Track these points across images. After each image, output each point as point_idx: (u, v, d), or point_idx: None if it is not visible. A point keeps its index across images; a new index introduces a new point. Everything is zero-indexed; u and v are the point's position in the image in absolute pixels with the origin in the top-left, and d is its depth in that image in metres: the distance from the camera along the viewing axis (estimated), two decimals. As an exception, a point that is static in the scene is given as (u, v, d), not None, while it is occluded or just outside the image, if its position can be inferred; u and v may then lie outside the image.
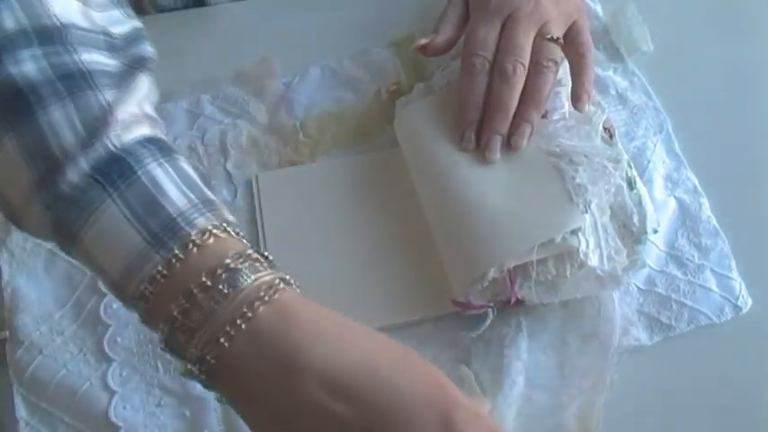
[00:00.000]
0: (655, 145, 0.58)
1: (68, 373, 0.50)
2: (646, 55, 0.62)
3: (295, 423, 0.34)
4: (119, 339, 0.51)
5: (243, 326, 0.34)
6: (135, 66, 0.41)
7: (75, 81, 0.37)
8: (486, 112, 0.52)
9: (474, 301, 0.49)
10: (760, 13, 0.66)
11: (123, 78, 0.40)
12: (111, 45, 0.41)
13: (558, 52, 0.53)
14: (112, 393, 0.50)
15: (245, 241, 0.38)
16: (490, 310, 0.49)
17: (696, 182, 0.57)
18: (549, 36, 0.52)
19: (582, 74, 0.53)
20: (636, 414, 0.48)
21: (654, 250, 0.54)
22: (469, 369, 0.48)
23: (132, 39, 0.42)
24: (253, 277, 0.35)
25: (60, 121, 0.36)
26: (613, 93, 0.61)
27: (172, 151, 0.39)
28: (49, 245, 0.54)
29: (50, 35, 0.38)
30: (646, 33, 0.62)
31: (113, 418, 0.49)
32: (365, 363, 0.35)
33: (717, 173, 0.57)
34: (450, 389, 0.35)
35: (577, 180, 0.49)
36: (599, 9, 0.64)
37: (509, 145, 0.51)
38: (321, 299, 0.37)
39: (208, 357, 0.34)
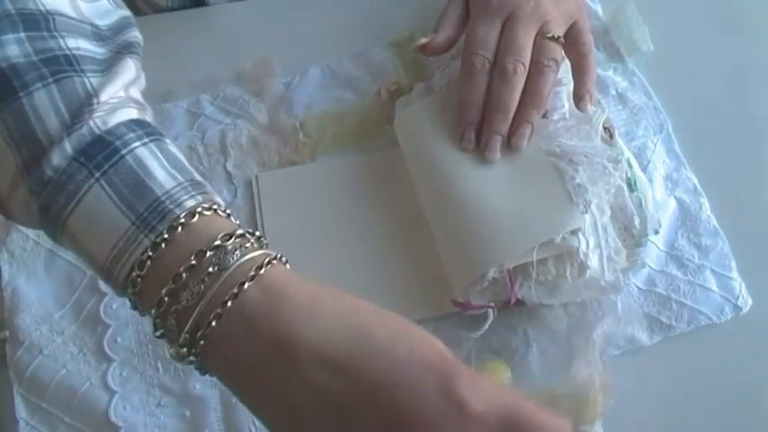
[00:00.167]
0: (655, 145, 0.58)
1: (68, 373, 0.50)
2: (646, 55, 0.62)
3: (291, 402, 0.33)
4: (119, 339, 0.51)
5: (231, 305, 0.33)
6: (121, 51, 0.41)
7: (59, 65, 0.37)
8: (487, 112, 0.52)
9: (474, 302, 0.49)
10: (760, 14, 0.66)
11: (110, 64, 0.39)
12: (98, 35, 0.41)
13: (558, 51, 0.53)
14: (112, 393, 0.50)
15: (234, 221, 0.37)
16: (490, 310, 0.48)
17: (696, 182, 0.57)
18: (549, 35, 0.52)
19: (583, 74, 0.53)
20: (636, 414, 0.48)
21: (654, 250, 0.54)
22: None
23: (120, 27, 0.42)
24: (241, 257, 0.34)
25: (44, 104, 0.36)
26: (613, 93, 0.61)
27: (158, 134, 0.38)
28: (49, 244, 0.54)
29: (36, 21, 0.38)
30: (646, 33, 0.62)
31: (113, 418, 0.49)
32: (359, 334, 0.34)
33: (717, 173, 0.57)
34: (448, 356, 0.34)
35: (577, 180, 0.49)
36: (599, 9, 0.64)
37: (509, 145, 0.51)
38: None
39: (198, 339, 0.34)
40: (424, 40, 0.55)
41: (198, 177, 0.38)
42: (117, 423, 0.49)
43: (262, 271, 0.34)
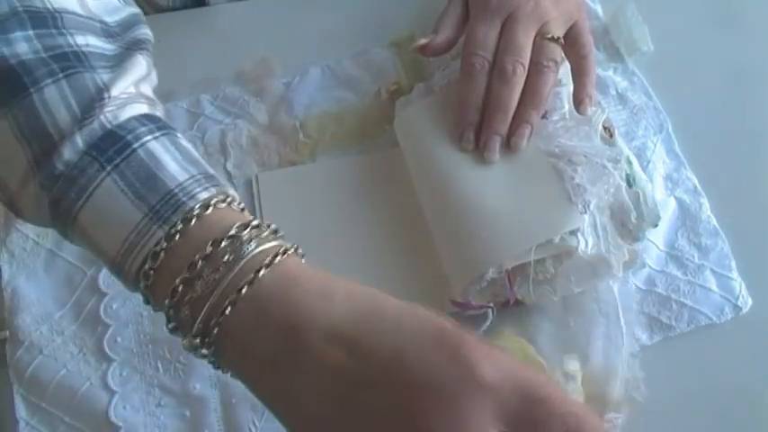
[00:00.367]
0: (655, 145, 0.58)
1: (68, 373, 0.50)
2: (646, 55, 0.62)
3: (304, 388, 0.33)
4: (119, 339, 0.51)
5: (245, 293, 0.33)
6: (131, 47, 0.41)
7: (69, 62, 0.37)
8: (486, 113, 0.52)
9: (473, 302, 0.49)
10: (760, 14, 0.66)
11: (120, 60, 0.39)
12: (107, 32, 0.41)
13: (558, 52, 0.53)
14: (112, 393, 0.50)
15: (247, 214, 0.37)
16: (489, 310, 0.48)
17: (696, 182, 0.57)
18: (549, 35, 0.52)
19: (583, 75, 0.53)
20: (635, 414, 0.48)
21: (654, 250, 0.54)
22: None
23: (129, 24, 0.42)
24: (257, 247, 0.34)
25: (54, 100, 0.36)
26: (613, 93, 0.61)
27: (170, 128, 0.38)
28: (49, 244, 0.54)
29: (44, 18, 0.38)
30: (646, 33, 0.62)
31: (113, 418, 0.49)
32: (370, 312, 0.34)
33: (717, 173, 0.57)
34: (459, 329, 0.33)
35: (576, 180, 0.49)
36: (599, 9, 0.64)
37: (508, 145, 0.51)
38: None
39: (212, 328, 0.34)
40: (423, 41, 0.55)
41: (211, 171, 0.38)
42: (117, 423, 0.49)
43: (277, 260, 0.34)
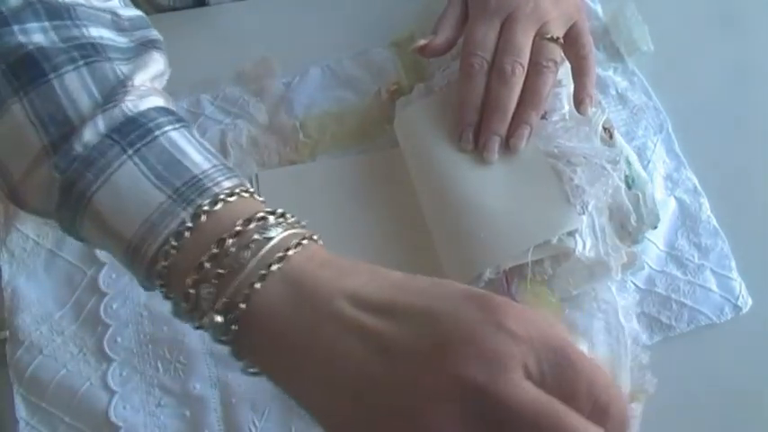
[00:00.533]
0: (655, 145, 0.58)
1: (68, 373, 0.50)
2: (646, 55, 0.62)
3: (334, 357, 0.32)
4: (119, 339, 0.51)
5: (275, 270, 0.33)
6: (146, 44, 0.41)
7: (87, 51, 0.37)
8: (485, 113, 0.52)
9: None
10: (760, 14, 0.66)
11: (136, 54, 0.40)
12: (118, 24, 0.41)
13: (557, 52, 0.53)
14: (112, 393, 0.50)
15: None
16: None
17: (696, 182, 0.57)
18: (548, 36, 0.52)
19: (583, 75, 0.53)
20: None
21: (654, 250, 0.54)
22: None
23: (138, 24, 0.42)
24: (284, 231, 0.34)
25: (75, 86, 0.36)
26: (613, 93, 0.61)
27: (187, 122, 0.38)
28: (49, 244, 0.54)
29: (58, 10, 0.38)
30: (646, 33, 0.62)
31: (113, 418, 0.49)
32: (399, 280, 0.34)
33: (717, 173, 0.57)
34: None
35: (575, 181, 0.49)
36: (599, 9, 0.64)
37: (507, 146, 0.51)
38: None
39: (238, 303, 0.33)
40: (422, 42, 0.55)
41: (228, 164, 0.38)
42: (117, 423, 0.49)
43: (304, 242, 0.34)
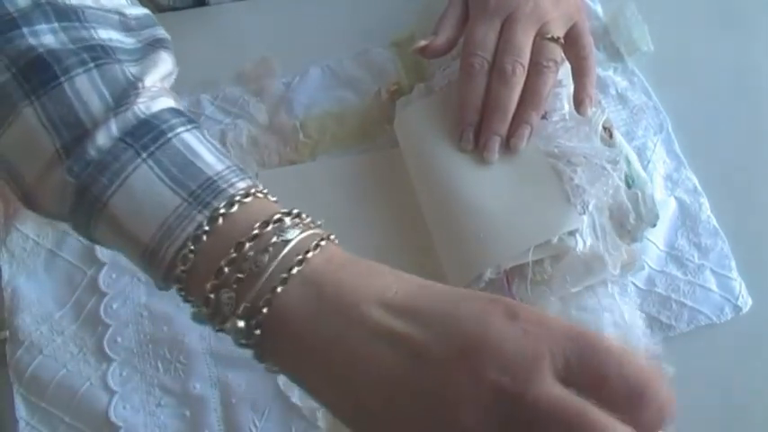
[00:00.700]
0: (655, 145, 0.58)
1: (68, 373, 0.50)
2: (646, 55, 0.62)
3: (359, 361, 0.32)
4: (119, 339, 0.51)
5: (296, 272, 0.33)
6: (153, 44, 0.41)
7: (97, 53, 0.37)
8: (485, 113, 0.52)
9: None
10: (760, 14, 0.66)
11: (144, 54, 0.40)
12: (126, 25, 0.41)
13: (558, 52, 0.53)
14: (112, 393, 0.50)
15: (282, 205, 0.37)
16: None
17: (696, 182, 0.57)
18: (549, 36, 0.52)
19: (584, 76, 0.53)
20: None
21: (654, 250, 0.54)
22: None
23: (145, 23, 0.42)
24: (302, 232, 0.34)
25: (86, 89, 0.36)
26: (613, 93, 0.61)
27: (197, 123, 0.38)
28: (49, 244, 0.54)
29: (66, 12, 0.38)
30: (646, 33, 0.62)
31: (113, 418, 0.49)
32: (422, 285, 0.34)
33: (717, 173, 0.57)
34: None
35: (576, 181, 0.49)
36: (599, 9, 0.64)
37: (508, 146, 0.51)
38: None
39: (261, 308, 0.33)
40: (423, 43, 0.55)
41: (241, 165, 0.38)
42: (117, 423, 0.49)
43: (323, 243, 0.34)
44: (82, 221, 0.37)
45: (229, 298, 0.33)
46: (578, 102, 0.52)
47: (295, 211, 0.36)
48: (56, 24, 0.37)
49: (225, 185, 0.35)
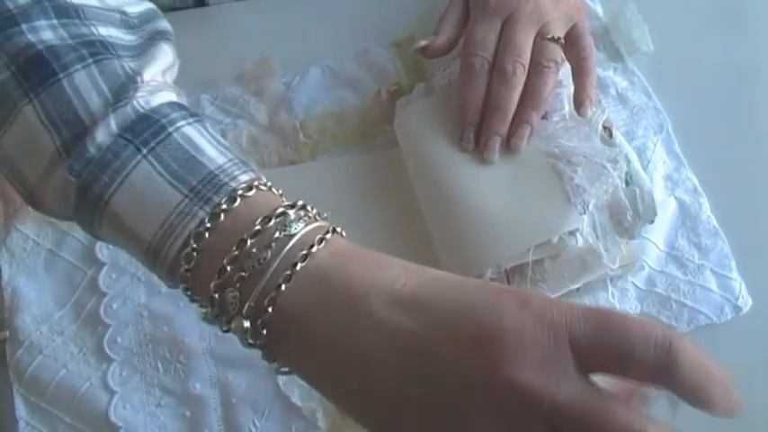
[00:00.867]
0: (655, 145, 0.58)
1: (68, 373, 0.50)
2: (646, 55, 0.62)
3: (367, 358, 0.31)
4: (119, 339, 0.51)
5: (301, 268, 0.32)
6: (154, 37, 0.40)
7: (96, 48, 0.37)
8: (486, 113, 0.52)
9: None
10: (760, 14, 0.66)
11: (144, 49, 0.39)
12: (127, 23, 0.41)
13: (558, 52, 0.53)
14: (112, 393, 0.50)
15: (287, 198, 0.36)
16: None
17: (696, 182, 0.57)
18: (549, 36, 0.52)
19: (584, 77, 0.53)
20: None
21: (654, 250, 0.54)
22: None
23: (148, 17, 0.42)
24: (305, 225, 0.33)
25: (85, 85, 0.35)
26: (613, 93, 0.61)
27: (199, 116, 0.38)
28: (49, 244, 0.54)
29: (66, 9, 0.38)
30: (646, 33, 0.62)
31: (113, 418, 0.49)
32: (431, 278, 0.33)
33: (717, 173, 0.57)
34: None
35: (576, 181, 0.49)
36: (599, 9, 0.64)
37: (508, 146, 0.51)
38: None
39: (267, 306, 0.32)
40: (424, 43, 0.55)
41: (243, 157, 0.37)
42: (117, 423, 0.49)
43: (328, 236, 0.34)
44: (86, 220, 0.36)
45: (234, 297, 0.33)
46: (578, 103, 0.52)
47: (300, 203, 0.35)
48: (55, 21, 0.37)
49: (226, 179, 0.34)
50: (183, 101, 0.39)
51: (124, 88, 0.36)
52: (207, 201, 0.34)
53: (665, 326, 0.31)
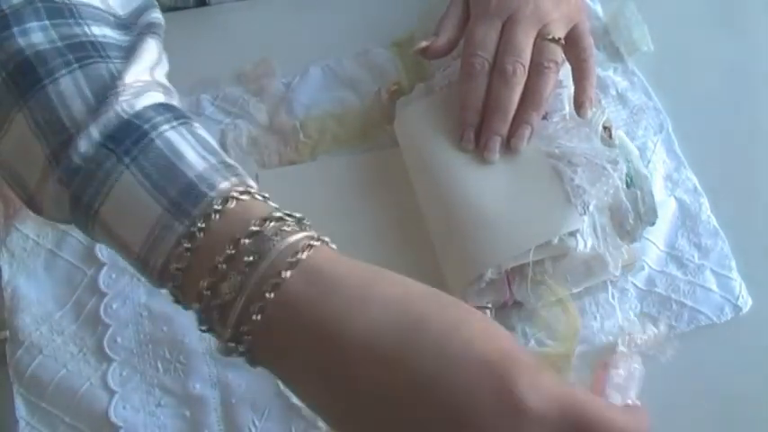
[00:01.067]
0: (655, 145, 0.58)
1: (68, 373, 0.50)
2: (646, 55, 0.62)
3: (343, 394, 0.31)
4: (119, 339, 0.51)
5: (273, 297, 0.31)
6: (142, 32, 0.40)
7: (85, 51, 0.36)
8: (486, 113, 0.52)
9: (471, 303, 0.48)
10: (760, 13, 0.66)
11: (133, 48, 0.39)
12: (121, 24, 0.40)
13: (558, 53, 0.52)
14: (112, 393, 0.50)
15: (270, 203, 0.35)
16: (488, 311, 0.48)
17: (696, 182, 0.57)
18: (549, 37, 0.52)
19: (584, 78, 0.53)
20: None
21: (654, 250, 0.54)
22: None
23: (141, 10, 0.41)
24: (280, 242, 0.32)
25: (70, 90, 0.35)
26: (613, 93, 0.61)
27: (187, 117, 0.37)
28: (49, 244, 0.54)
29: (59, 9, 0.37)
30: (646, 33, 0.62)
31: (113, 418, 0.49)
32: (411, 326, 0.31)
33: (717, 173, 0.57)
34: (509, 348, 0.31)
35: (576, 181, 0.49)
36: (599, 9, 0.64)
37: (508, 146, 0.51)
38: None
39: (244, 333, 0.32)
40: (424, 44, 0.55)
41: (229, 160, 0.36)
42: (117, 423, 0.49)
43: (303, 256, 0.32)
44: (82, 226, 0.36)
45: (217, 320, 0.33)
46: (578, 104, 0.52)
47: (276, 214, 0.34)
48: (46, 22, 0.37)
49: (205, 188, 0.34)
50: (173, 99, 0.38)
51: (108, 92, 0.35)
52: (185, 214, 0.33)
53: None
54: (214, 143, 0.37)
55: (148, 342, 0.51)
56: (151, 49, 0.39)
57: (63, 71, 0.35)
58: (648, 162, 0.57)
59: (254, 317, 0.32)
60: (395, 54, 0.62)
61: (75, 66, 0.36)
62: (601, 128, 0.52)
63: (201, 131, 0.37)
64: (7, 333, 0.52)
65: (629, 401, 0.46)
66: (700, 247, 0.54)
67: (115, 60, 0.37)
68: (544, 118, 0.52)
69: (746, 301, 0.52)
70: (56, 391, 0.50)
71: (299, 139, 0.58)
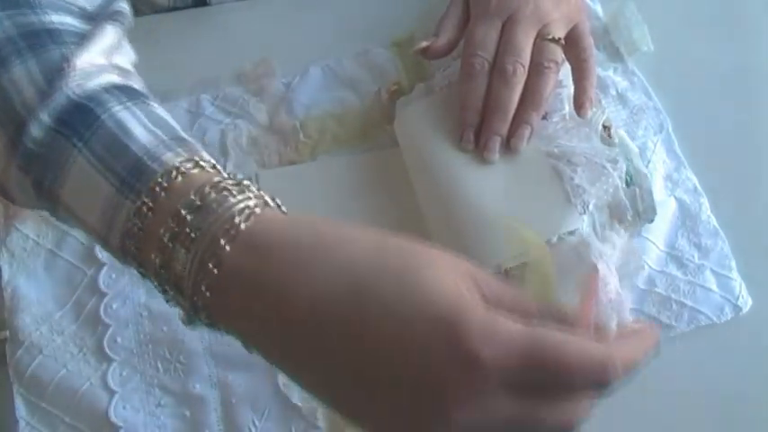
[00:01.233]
0: (655, 145, 0.58)
1: (68, 373, 0.50)
2: (646, 55, 0.62)
3: (305, 357, 0.32)
4: (119, 339, 0.51)
5: (215, 270, 0.31)
6: (101, 19, 0.39)
7: (39, 38, 0.36)
8: (486, 113, 0.52)
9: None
10: (760, 14, 0.66)
11: (89, 34, 0.38)
12: (85, 15, 0.40)
13: (558, 53, 0.53)
14: (112, 393, 0.50)
15: (218, 170, 0.35)
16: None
17: (696, 182, 0.57)
18: (549, 37, 0.52)
19: (584, 79, 0.53)
20: (635, 414, 0.48)
21: (654, 250, 0.54)
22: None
23: (109, 2, 0.41)
24: (220, 213, 0.32)
25: (22, 77, 0.35)
26: (613, 93, 0.61)
27: (143, 96, 0.37)
28: (49, 244, 0.54)
29: (15, 0, 0.38)
30: (646, 33, 0.62)
31: (113, 418, 0.49)
32: (360, 291, 0.31)
33: (717, 173, 0.57)
34: (458, 296, 0.31)
35: (576, 181, 0.49)
36: (599, 9, 0.64)
37: (508, 146, 0.51)
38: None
39: (198, 304, 0.32)
40: (424, 44, 0.55)
41: (182, 133, 0.36)
42: (117, 423, 0.49)
43: (242, 227, 0.32)
44: (51, 211, 0.37)
45: (175, 294, 0.33)
46: (578, 105, 0.52)
47: (217, 179, 0.33)
48: (1, 13, 0.37)
49: (150, 162, 0.34)
50: (134, 82, 0.38)
51: (58, 76, 0.35)
52: (132, 189, 0.33)
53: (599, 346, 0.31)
54: (169, 119, 0.37)
55: (148, 342, 0.51)
56: (107, 35, 0.39)
57: (16, 60, 0.36)
58: (648, 162, 0.57)
59: (204, 291, 0.32)
60: (395, 54, 0.62)
61: (28, 53, 0.36)
62: (600, 127, 0.52)
63: (159, 110, 0.37)
64: (7, 333, 0.52)
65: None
66: (700, 247, 0.54)
67: (70, 45, 0.37)
68: (544, 118, 0.52)
69: (746, 301, 0.52)
70: (56, 391, 0.50)
71: (299, 139, 0.58)
